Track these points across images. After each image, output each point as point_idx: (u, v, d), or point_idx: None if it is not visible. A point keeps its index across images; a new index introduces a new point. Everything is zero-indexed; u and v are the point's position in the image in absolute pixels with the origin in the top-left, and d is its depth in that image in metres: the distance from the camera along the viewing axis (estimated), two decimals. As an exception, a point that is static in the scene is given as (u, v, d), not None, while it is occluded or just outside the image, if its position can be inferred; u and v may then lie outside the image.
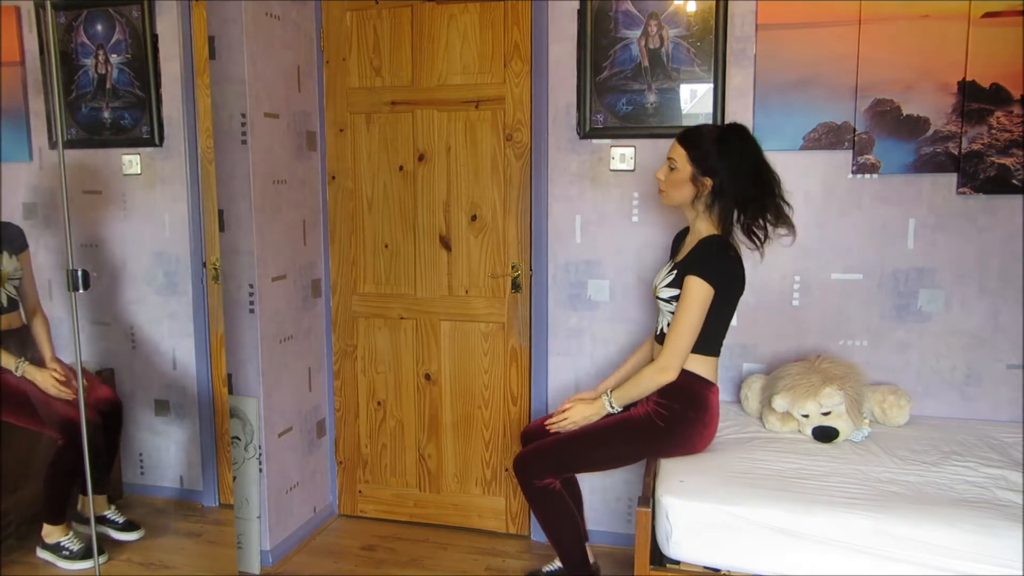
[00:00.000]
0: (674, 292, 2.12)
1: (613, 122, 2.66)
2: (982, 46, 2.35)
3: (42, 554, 2.36)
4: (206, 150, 2.44)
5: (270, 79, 2.64)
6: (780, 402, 2.27)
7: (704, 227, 2.13)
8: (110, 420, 2.48)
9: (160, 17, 2.50)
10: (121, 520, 2.50)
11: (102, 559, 2.35)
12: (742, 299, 2.18)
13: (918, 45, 2.39)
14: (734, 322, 2.25)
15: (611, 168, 2.69)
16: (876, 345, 2.55)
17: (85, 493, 2.27)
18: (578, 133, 2.70)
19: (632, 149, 2.66)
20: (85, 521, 2.36)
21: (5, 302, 2.23)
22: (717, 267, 2.04)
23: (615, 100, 2.64)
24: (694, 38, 2.55)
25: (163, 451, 2.69)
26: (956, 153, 2.41)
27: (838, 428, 2.23)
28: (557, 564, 2.43)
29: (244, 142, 2.54)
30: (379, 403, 3.08)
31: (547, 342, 2.83)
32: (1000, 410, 2.49)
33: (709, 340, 2.10)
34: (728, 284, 2.07)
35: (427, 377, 3.01)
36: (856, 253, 2.54)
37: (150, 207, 2.60)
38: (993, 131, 2.37)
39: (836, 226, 2.54)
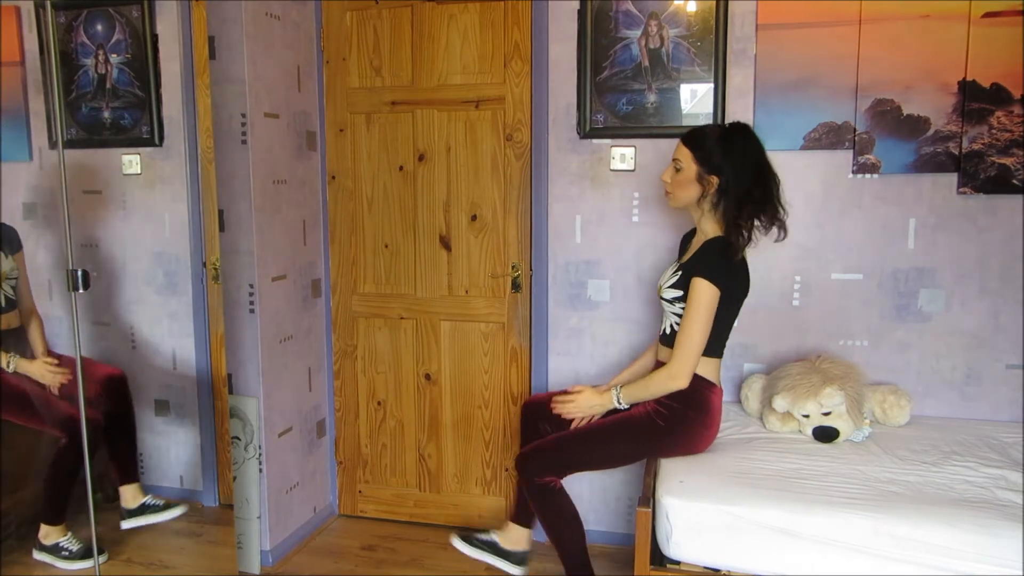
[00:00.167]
0: (677, 293, 2.12)
1: (613, 122, 2.66)
2: (982, 46, 2.35)
3: (39, 556, 2.35)
4: (206, 150, 2.44)
5: (270, 79, 2.64)
6: (780, 402, 2.27)
7: (710, 227, 2.14)
8: (119, 395, 2.47)
9: (160, 17, 2.50)
10: (161, 502, 2.52)
11: (102, 559, 2.35)
12: (742, 299, 2.18)
13: (918, 45, 2.39)
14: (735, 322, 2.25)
15: (611, 168, 2.69)
16: (876, 345, 2.55)
17: (86, 494, 2.26)
18: (578, 133, 2.70)
19: (632, 149, 2.66)
20: (130, 513, 2.43)
21: (3, 302, 2.23)
22: (722, 269, 2.04)
23: (615, 100, 2.64)
24: (694, 38, 2.55)
25: (163, 451, 2.69)
26: (956, 153, 2.41)
27: (838, 428, 2.23)
28: (493, 535, 2.42)
29: (244, 142, 2.54)
30: (379, 403, 3.08)
31: (547, 342, 2.83)
32: (1000, 410, 2.49)
33: (712, 341, 2.09)
34: (733, 286, 2.08)
35: (427, 377, 3.01)
36: (856, 253, 2.54)
37: (150, 207, 2.60)
38: (993, 131, 2.37)
39: (836, 226, 2.54)
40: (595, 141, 2.69)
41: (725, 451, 2.19)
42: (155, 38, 2.50)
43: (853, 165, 2.49)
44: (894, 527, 1.78)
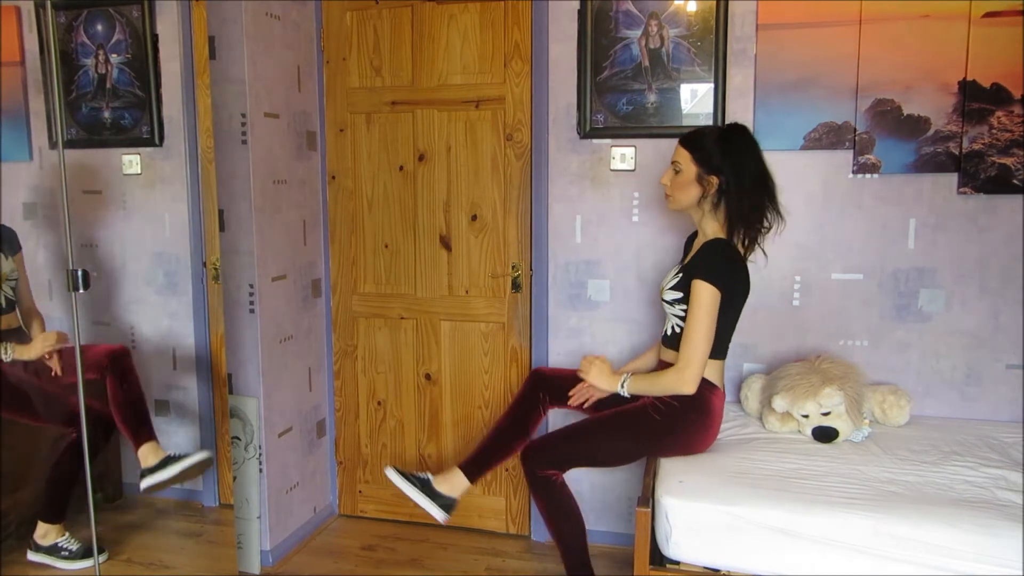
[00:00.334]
0: (677, 295, 2.12)
1: (613, 122, 2.66)
2: (982, 46, 2.35)
3: (35, 557, 2.33)
4: (206, 150, 2.44)
5: (270, 79, 2.65)
6: (780, 402, 2.27)
7: (711, 227, 2.14)
8: (123, 365, 2.43)
9: (160, 17, 2.50)
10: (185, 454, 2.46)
11: (102, 558, 2.35)
12: (742, 299, 2.18)
13: (918, 45, 2.39)
14: (734, 322, 2.25)
15: (611, 168, 2.69)
16: (876, 345, 2.55)
17: (86, 493, 2.25)
18: (578, 133, 2.70)
19: (632, 149, 2.66)
20: (151, 470, 2.34)
21: (3, 303, 2.23)
22: (722, 270, 2.04)
23: (615, 100, 2.64)
24: (694, 38, 2.55)
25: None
26: (957, 153, 2.41)
27: (838, 428, 2.23)
28: (428, 475, 2.35)
29: (244, 142, 2.54)
30: (379, 403, 3.08)
31: (547, 342, 2.83)
32: (1000, 410, 2.48)
33: (715, 343, 2.09)
34: (733, 287, 2.07)
35: (427, 377, 3.01)
36: (856, 253, 2.53)
37: (150, 207, 2.60)
38: (994, 131, 2.37)
39: (836, 226, 2.54)
40: (595, 141, 2.69)
41: (725, 451, 2.19)
42: (155, 38, 2.50)
43: (853, 165, 2.49)
44: (894, 527, 1.78)
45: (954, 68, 2.38)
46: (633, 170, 2.68)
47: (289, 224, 2.80)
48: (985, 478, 1.99)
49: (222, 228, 2.58)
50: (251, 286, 2.61)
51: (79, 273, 2.00)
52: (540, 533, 2.92)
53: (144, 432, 2.38)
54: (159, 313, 2.63)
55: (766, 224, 2.13)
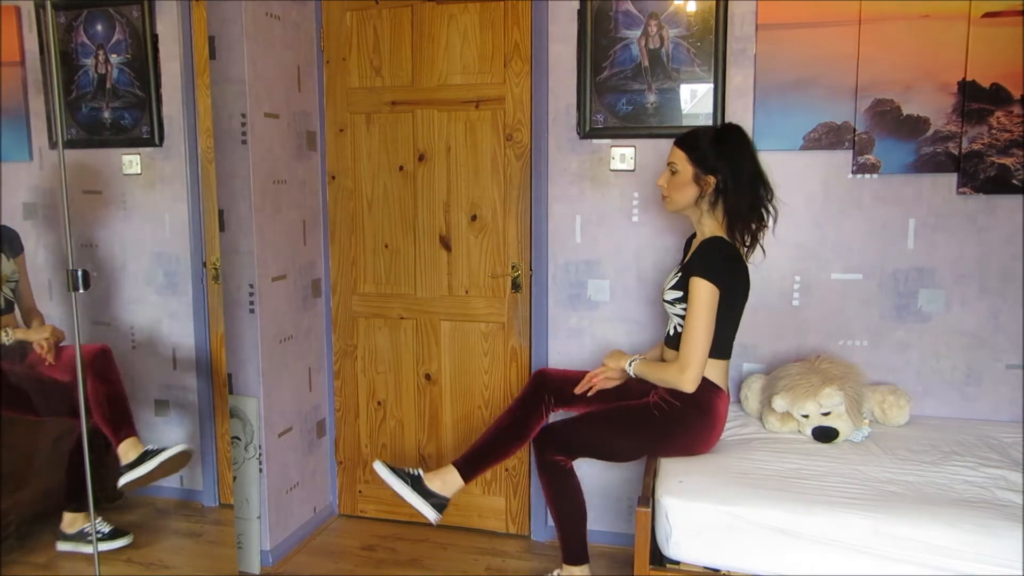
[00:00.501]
0: (677, 294, 2.13)
1: (613, 122, 2.66)
2: (982, 46, 2.35)
3: (64, 546, 2.34)
4: (206, 150, 2.45)
5: (270, 79, 2.65)
6: (780, 402, 2.27)
7: (709, 226, 2.15)
8: (105, 364, 2.40)
9: (160, 17, 2.50)
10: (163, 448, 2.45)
11: (125, 541, 2.43)
12: (742, 299, 2.19)
13: (918, 45, 2.39)
14: (734, 322, 2.26)
15: (611, 168, 2.69)
16: (876, 345, 2.55)
17: (92, 483, 2.24)
18: (578, 133, 2.70)
19: (632, 149, 2.66)
20: (130, 466, 2.31)
21: (3, 304, 2.23)
22: (720, 267, 2.05)
23: (615, 100, 2.64)
24: (694, 38, 2.55)
25: (163, 451, 2.69)
26: (956, 153, 2.41)
27: (838, 428, 2.23)
28: (419, 471, 2.30)
29: (244, 142, 2.54)
30: (379, 403, 3.08)
31: (547, 342, 2.83)
32: (1000, 410, 2.49)
33: (717, 343, 2.09)
34: (732, 284, 2.08)
35: (427, 377, 3.01)
36: (856, 253, 2.54)
37: (150, 207, 2.60)
38: (993, 131, 2.37)
39: (836, 226, 2.54)
40: (595, 141, 2.69)
41: (725, 451, 2.19)
42: (155, 38, 2.50)
43: (853, 165, 2.49)
44: (894, 527, 1.78)
45: (954, 68, 2.38)
46: (633, 170, 2.68)
47: (289, 224, 2.80)
48: (985, 478, 1.99)
49: (222, 228, 2.58)
50: (251, 286, 2.61)
51: (79, 273, 2.00)
52: (540, 533, 2.93)
53: (123, 429, 2.34)
54: (159, 313, 2.63)
55: (764, 221, 2.14)
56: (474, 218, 2.88)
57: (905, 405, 2.38)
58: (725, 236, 2.11)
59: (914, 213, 2.48)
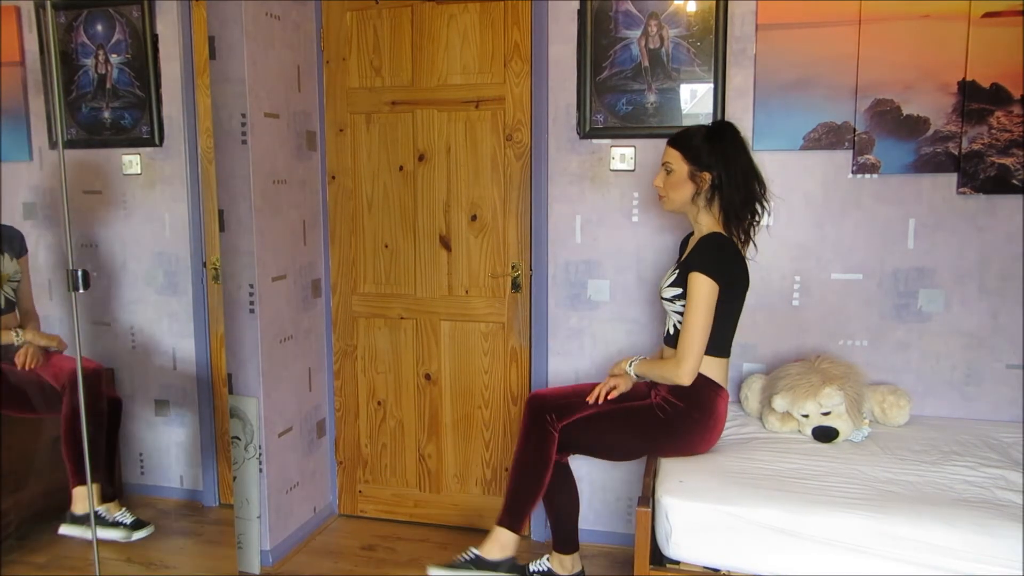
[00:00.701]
0: (676, 291, 2.13)
1: (613, 122, 2.66)
2: (982, 46, 2.35)
3: (67, 530, 2.25)
4: (206, 150, 2.45)
5: (270, 79, 2.64)
6: (780, 402, 2.27)
7: (706, 222, 2.16)
8: (91, 388, 2.27)
9: (160, 17, 2.50)
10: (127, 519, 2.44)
11: (146, 532, 2.38)
12: (742, 299, 2.19)
13: (918, 45, 2.39)
14: (734, 322, 2.26)
15: (611, 168, 2.69)
16: (876, 345, 2.55)
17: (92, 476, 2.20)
18: (578, 133, 2.70)
19: (632, 149, 2.66)
20: (75, 518, 2.25)
21: (3, 304, 2.23)
22: (719, 263, 2.06)
23: (615, 100, 2.64)
24: (694, 38, 2.55)
25: (163, 451, 2.69)
26: (956, 153, 2.41)
27: (838, 428, 2.23)
28: (472, 550, 2.31)
29: (244, 142, 2.54)
30: (379, 403, 3.08)
31: (547, 342, 2.83)
32: (1000, 410, 2.48)
33: (716, 340, 2.10)
34: (731, 280, 2.08)
35: (427, 377, 3.01)
36: (856, 253, 2.54)
37: (150, 207, 2.60)
38: (993, 131, 2.37)
39: (836, 226, 2.54)
40: (595, 141, 2.69)
41: (725, 451, 2.19)
42: (155, 38, 2.50)
43: (853, 165, 2.49)
44: (894, 527, 1.78)
45: (953, 68, 2.38)
46: (633, 170, 2.68)
47: (289, 224, 2.80)
48: (985, 478, 1.99)
49: (222, 228, 2.58)
50: (251, 286, 2.61)
51: (79, 273, 2.00)
52: (540, 533, 2.92)
53: (82, 471, 2.09)
54: (159, 313, 2.63)
55: (759, 215, 2.15)
56: (474, 218, 2.88)
57: (905, 405, 2.38)
58: (723, 232, 2.12)
59: (914, 213, 2.48)
